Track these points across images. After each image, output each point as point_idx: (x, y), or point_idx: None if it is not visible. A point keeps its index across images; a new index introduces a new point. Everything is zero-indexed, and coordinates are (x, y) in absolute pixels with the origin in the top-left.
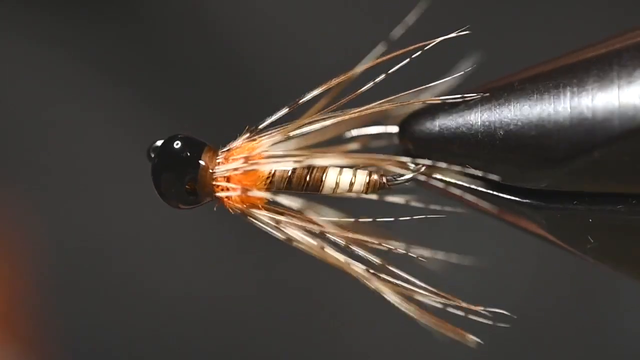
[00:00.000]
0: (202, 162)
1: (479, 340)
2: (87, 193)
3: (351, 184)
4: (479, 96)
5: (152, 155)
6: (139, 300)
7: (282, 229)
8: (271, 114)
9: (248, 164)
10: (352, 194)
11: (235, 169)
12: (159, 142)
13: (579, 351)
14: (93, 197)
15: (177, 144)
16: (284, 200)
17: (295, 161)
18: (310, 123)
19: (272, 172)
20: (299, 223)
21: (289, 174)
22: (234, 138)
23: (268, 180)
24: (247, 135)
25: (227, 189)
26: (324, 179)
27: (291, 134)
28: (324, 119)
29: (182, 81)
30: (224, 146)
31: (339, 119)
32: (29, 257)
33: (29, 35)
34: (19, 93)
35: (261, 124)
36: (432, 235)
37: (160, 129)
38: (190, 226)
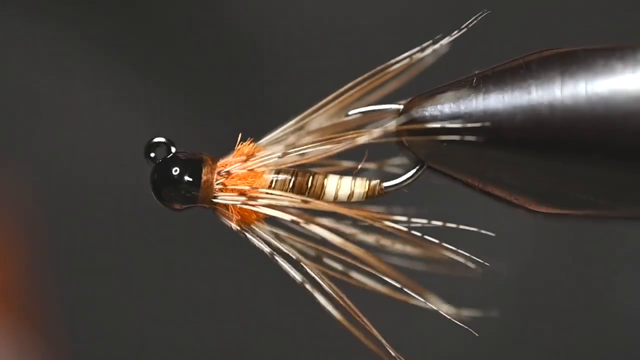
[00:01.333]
0: (202, 180)
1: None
2: (89, 179)
3: (351, 190)
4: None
5: (151, 156)
6: (141, 288)
7: (281, 244)
8: (271, 115)
9: (249, 172)
10: (352, 200)
11: (237, 173)
12: (157, 139)
13: (576, 329)
14: (95, 183)
15: (176, 171)
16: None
17: (296, 168)
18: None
19: (273, 180)
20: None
21: (290, 182)
22: (234, 139)
23: (269, 189)
24: (248, 143)
25: (228, 199)
26: (324, 185)
27: (293, 141)
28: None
29: (191, 73)
30: (226, 148)
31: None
32: (29, 243)
33: (35, 18)
34: (26, 78)
35: (262, 135)
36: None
37: (168, 119)
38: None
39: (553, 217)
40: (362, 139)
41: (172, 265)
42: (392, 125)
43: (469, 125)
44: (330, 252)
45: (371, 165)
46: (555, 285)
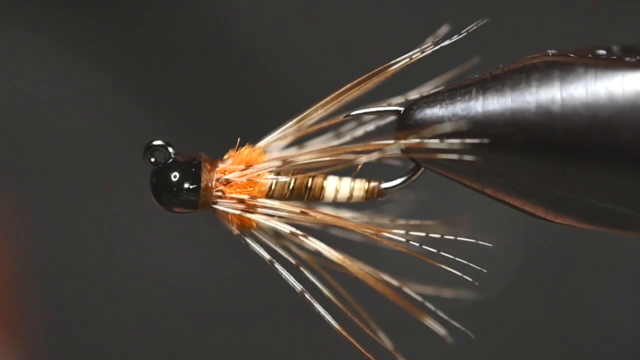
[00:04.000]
0: (202, 186)
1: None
2: (84, 190)
3: (350, 192)
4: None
5: (151, 160)
6: (136, 294)
7: (281, 248)
8: (271, 116)
9: (248, 175)
10: (351, 201)
11: (236, 181)
12: (155, 142)
13: (566, 333)
14: (90, 195)
15: (175, 176)
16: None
17: (296, 171)
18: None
19: (273, 182)
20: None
21: (290, 183)
22: (233, 139)
23: (269, 191)
24: (247, 145)
25: (227, 206)
26: (324, 187)
27: (292, 142)
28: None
29: (187, 77)
30: (225, 150)
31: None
32: (21, 253)
33: (29, 28)
34: (18, 88)
35: (261, 136)
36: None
37: (168, 120)
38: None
39: (568, 226)
40: (363, 159)
41: (166, 266)
42: (392, 148)
43: (468, 141)
44: (328, 264)
45: (370, 167)
46: (545, 294)
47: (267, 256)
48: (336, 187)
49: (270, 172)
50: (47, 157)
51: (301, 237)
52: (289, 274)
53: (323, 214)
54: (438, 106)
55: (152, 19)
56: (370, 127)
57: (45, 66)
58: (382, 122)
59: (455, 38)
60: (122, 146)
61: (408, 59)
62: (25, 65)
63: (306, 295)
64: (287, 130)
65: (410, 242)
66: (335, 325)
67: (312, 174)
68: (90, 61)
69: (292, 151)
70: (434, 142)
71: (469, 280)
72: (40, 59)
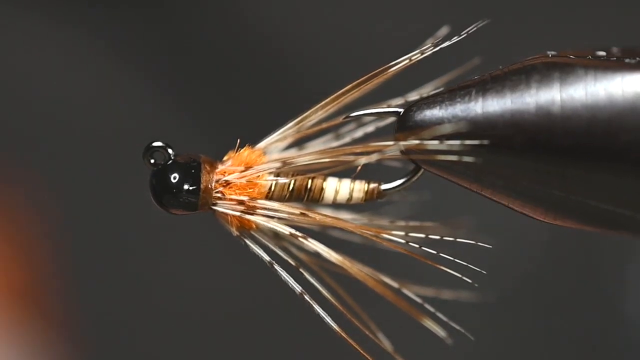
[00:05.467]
0: (201, 188)
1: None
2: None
3: (350, 193)
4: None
5: (150, 161)
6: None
7: (281, 249)
8: (271, 116)
9: (248, 176)
10: (351, 203)
11: (235, 182)
12: (155, 144)
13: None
14: (90, 194)
15: (175, 178)
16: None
17: (296, 172)
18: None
19: (273, 183)
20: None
21: (290, 185)
22: (234, 141)
23: (269, 192)
24: (247, 147)
25: (227, 208)
26: (324, 188)
27: (291, 144)
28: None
29: (199, 74)
30: (225, 152)
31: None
32: (46, 238)
33: (50, 16)
34: (26, 76)
35: (261, 138)
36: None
37: (168, 120)
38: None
39: (565, 227)
40: (362, 160)
41: (186, 261)
42: (392, 149)
43: (468, 142)
44: (328, 266)
45: (370, 168)
46: (545, 295)
47: (266, 257)
48: (336, 188)
49: (270, 173)
50: (73, 140)
51: (301, 239)
52: (288, 275)
53: (323, 215)
54: (438, 107)
55: (153, 19)
56: (369, 128)
57: (42, 67)
58: (381, 124)
59: (455, 39)
60: (122, 147)
61: (408, 60)
62: (38, 56)
63: (306, 296)
64: (286, 132)
65: (410, 243)
66: (335, 326)
67: (312, 175)
68: (89, 62)
69: (292, 152)
70: (433, 144)
71: (468, 282)
72: (53, 52)
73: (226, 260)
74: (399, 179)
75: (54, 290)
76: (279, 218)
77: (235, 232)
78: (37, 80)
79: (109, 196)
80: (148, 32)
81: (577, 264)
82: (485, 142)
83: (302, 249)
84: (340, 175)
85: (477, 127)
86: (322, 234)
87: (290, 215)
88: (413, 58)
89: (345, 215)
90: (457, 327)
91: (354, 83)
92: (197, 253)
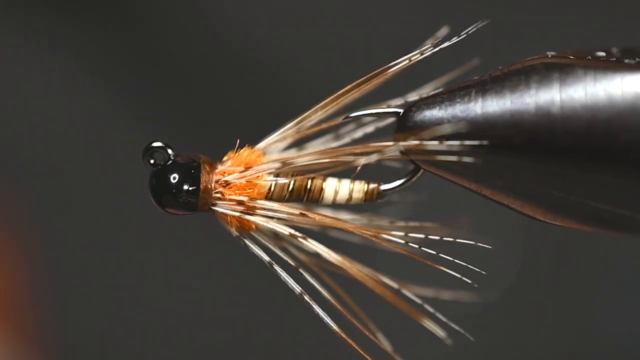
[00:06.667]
0: (201, 188)
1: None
2: (87, 192)
3: (349, 194)
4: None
5: (150, 161)
6: (139, 297)
7: (280, 250)
8: (270, 116)
9: (248, 176)
10: (351, 203)
11: (235, 183)
12: (155, 144)
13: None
14: (92, 196)
15: (174, 178)
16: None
17: (295, 173)
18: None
19: (273, 184)
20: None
21: (289, 185)
22: (234, 142)
23: (268, 193)
24: (246, 147)
25: (227, 208)
26: (323, 188)
27: (291, 144)
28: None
29: (185, 80)
30: (224, 152)
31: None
32: (28, 254)
33: (26, 34)
34: (15, 93)
35: (261, 138)
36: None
37: (164, 127)
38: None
39: (564, 228)
40: (362, 160)
41: (170, 264)
42: (391, 150)
43: (467, 142)
44: (327, 266)
45: (369, 169)
46: (545, 295)
47: (266, 258)
48: (335, 188)
49: (270, 173)
50: (53, 157)
51: (300, 239)
52: (288, 275)
53: (322, 215)
54: (437, 108)
55: (152, 20)
56: (369, 128)
57: (42, 71)
58: (381, 124)
59: (454, 40)
60: (121, 148)
61: (407, 61)
62: (23, 69)
63: (305, 297)
64: (286, 132)
65: (410, 243)
66: (334, 327)
67: (312, 175)
68: (87, 64)
69: (292, 153)
70: (433, 144)
71: (468, 282)
72: (37, 63)
73: (226, 260)
74: (399, 179)
75: (27, 299)
76: (279, 218)
77: (234, 233)
78: (17, 89)
79: (85, 207)
80: (147, 33)
81: (565, 266)
82: (485, 142)
83: (301, 249)
84: (340, 175)
85: (477, 128)
86: (321, 234)
87: (289, 216)
88: (413, 58)
89: (344, 216)
90: (457, 328)
91: (353, 83)
92: (197, 253)
